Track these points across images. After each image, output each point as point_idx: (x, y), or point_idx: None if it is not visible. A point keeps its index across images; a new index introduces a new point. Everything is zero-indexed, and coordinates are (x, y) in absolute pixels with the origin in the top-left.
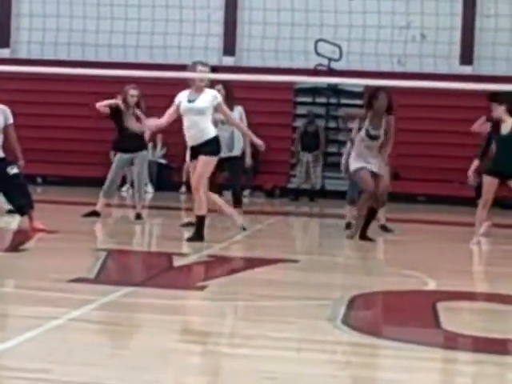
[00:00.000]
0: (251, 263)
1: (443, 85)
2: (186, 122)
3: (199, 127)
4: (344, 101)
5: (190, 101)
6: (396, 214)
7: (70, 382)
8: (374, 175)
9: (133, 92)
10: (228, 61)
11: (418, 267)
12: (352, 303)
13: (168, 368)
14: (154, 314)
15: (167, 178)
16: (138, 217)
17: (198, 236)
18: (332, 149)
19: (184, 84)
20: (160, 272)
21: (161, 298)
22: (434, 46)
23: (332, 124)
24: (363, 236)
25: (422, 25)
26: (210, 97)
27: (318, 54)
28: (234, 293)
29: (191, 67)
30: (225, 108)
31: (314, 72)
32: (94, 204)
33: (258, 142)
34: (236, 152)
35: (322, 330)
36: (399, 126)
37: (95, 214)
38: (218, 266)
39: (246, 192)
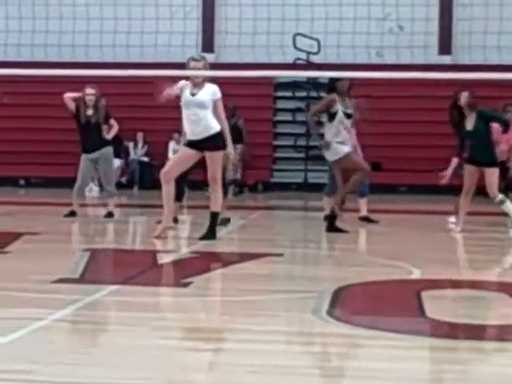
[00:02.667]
0: (235, 258)
1: (422, 75)
2: (187, 116)
3: (202, 121)
4: (324, 94)
5: (192, 94)
6: (379, 204)
7: (55, 382)
8: None
9: (89, 91)
10: (207, 58)
11: (401, 257)
12: (337, 295)
13: (155, 366)
14: (139, 312)
15: (149, 176)
16: (109, 215)
17: (211, 234)
18: (312, 142)
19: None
20: (144, 270)
21: (146, 295)
22: (411, 36)
23: None
24: (332, 227)
25: (398, 16)
26: (211, 91)
27: (296, 48)
28: (219, 288)
29: (186, 63)
30: (220, 106)
31: (294, 66)
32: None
33: (229, 149)
34: None
35: (308, 322)
36: (380, 117)
37: (73, 213)
38: (202, 262)
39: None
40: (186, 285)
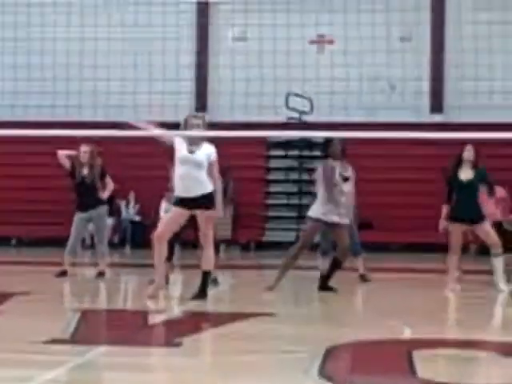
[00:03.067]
0: (227, 318)
1: (414, 135)
2: (182, 172)
3: (196, 180)
4: (317, 153)
5: (190, 152)
6: (370, 263)
7: None
8: (337, 225)
9: (84, 148)
10: None
11: (393, 316)
12: (328, 354)
13: None
14: (130, 373)
15: (141, 235)
16: (101, 274)
17: (202, 293)
18: (305, 201)
19: (155, 144)
20: (136, 330)
21: (137, 356)
22: (402, 96)
23: (305, 176)
24: (324, 286)
25: (389, 76)
26: (209, 152)
27: (288, 108)
28: (211, 348)
29: (185, 120)
30: (215, 168)
31: (286, 125)
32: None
33: (219, 211)
34: None
35: (300, 382)
36: (371, 176)
37: (64, 273)
38: (193, 321)
39: (222, 246)
40: (178, 345)
